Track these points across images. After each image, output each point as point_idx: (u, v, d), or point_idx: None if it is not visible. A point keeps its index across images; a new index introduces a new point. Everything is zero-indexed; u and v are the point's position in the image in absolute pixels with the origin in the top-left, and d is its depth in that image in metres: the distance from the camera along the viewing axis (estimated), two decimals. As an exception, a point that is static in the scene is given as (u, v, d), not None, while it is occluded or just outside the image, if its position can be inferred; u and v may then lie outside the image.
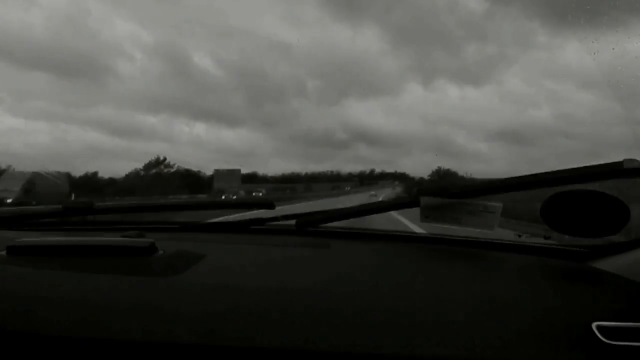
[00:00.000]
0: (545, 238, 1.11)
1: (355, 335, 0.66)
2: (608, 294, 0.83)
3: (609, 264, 0.95)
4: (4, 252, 0.92)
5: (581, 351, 0.66)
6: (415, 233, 1.30)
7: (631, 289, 0.84)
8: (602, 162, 0.98)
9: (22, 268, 0.85)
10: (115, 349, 0.66)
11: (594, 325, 0.68)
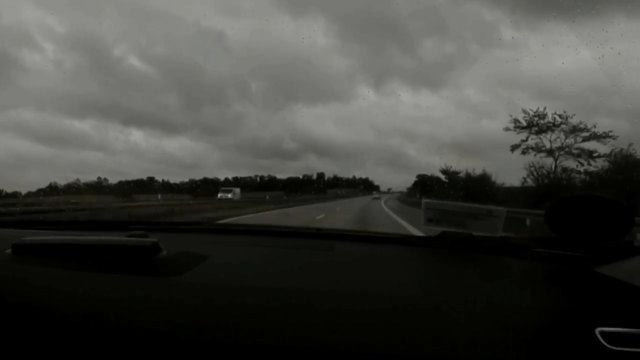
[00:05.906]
0: (550, 243, 1.10)
1: (358, 336, 0.67)
2: (611, 299, 0.83)
3: (613, 270, 0.95)
4: (9, 251, 0.92)
5: (584, 357, 0.66)
6: (418, 236, 1.30)
7: (634, 294, 0.83)
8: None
9: (27, 266, 0.85)
10: (119, 346, 0.66)
11: (597, 330, 0.68)
